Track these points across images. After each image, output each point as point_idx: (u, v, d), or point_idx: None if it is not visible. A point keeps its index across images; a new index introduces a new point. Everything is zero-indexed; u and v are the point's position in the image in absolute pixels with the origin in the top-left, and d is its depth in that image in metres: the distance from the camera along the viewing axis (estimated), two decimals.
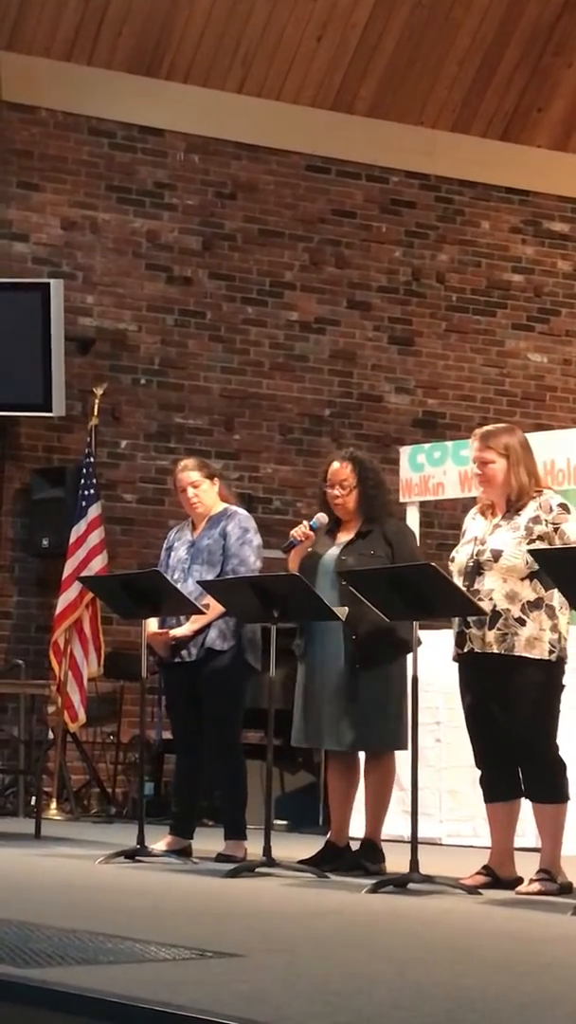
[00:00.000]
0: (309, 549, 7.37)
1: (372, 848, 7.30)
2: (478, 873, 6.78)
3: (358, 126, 12.50)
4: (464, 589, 6.63)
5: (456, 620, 6.77)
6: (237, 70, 12.08)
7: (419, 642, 6.86)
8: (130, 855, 7.51)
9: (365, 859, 7.23)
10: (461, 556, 6.78)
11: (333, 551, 7.33)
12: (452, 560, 6.83)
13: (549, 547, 6.52)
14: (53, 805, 10.60)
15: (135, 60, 11.83)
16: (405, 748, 7.37)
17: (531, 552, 6.40)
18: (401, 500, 10.14)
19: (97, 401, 11.24)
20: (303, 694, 7.35)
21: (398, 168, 12.71)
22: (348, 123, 12.47)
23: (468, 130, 12.82)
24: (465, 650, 6.73)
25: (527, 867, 6.73)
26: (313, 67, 12.24)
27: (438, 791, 9.11)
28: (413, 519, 10.11)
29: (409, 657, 7.23)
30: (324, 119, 12.40)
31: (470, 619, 6.65)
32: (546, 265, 13.19)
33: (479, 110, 12.80)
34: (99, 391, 11.27)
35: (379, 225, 12.67)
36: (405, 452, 10.47)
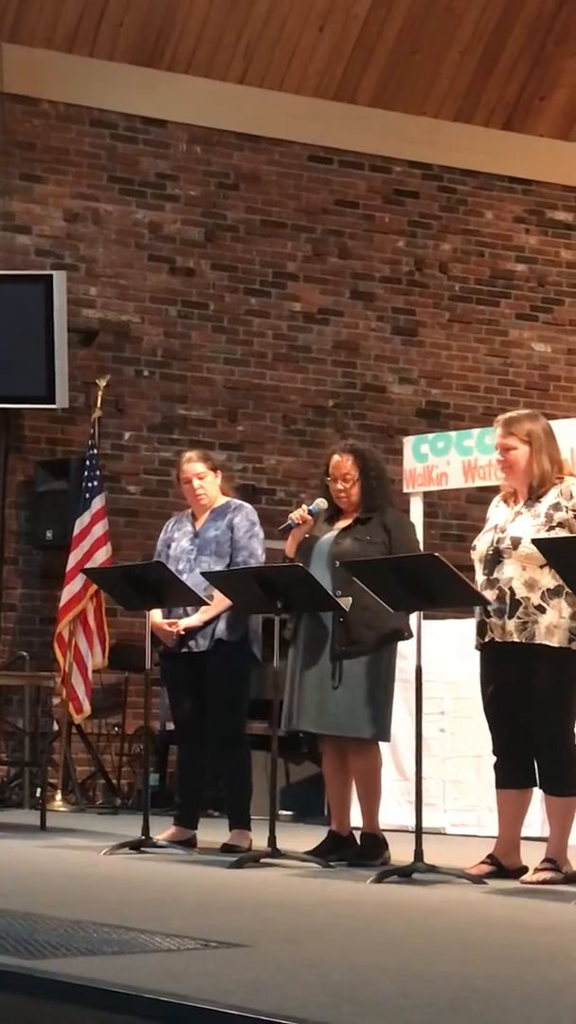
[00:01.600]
0: (307, 534, 7.37)
1: (373, 841, 7.29)
2: (483, 862, 6.77)
3: (360, 116, 12.48)
4: (478, 579, 6.62)
5: (477, 610, 6.74)
6: (239, 61, 12.07)
7: (410, 635, 6.84)
8: (135, 846, 7.51)
9: (366, 856, 7.19)
10: (482, 544, 6.75)
11: (330, 535, 7.32)
12: (474, 548, 6.80)
13: (554, 536, 6.49)
14: (58, 796, 10.61)
15: (137, 51, 11.82)
16: (385, 740, 7.35)
17: (534, 542, 6.35)
18: (404, 490, 10.14)
19: (100, 393, 11.24)
20: (291, 677, 7.33)
21: (401, 158, 12.70)
22: (350, 113, 12.45)
23: (471, 119, 12.81)
24: (486, 640, 6.70)
25: (532, 856, 6.73)
26: (315, 57, 12.23)
27: (442, 781, 9.11)
28: (416, 509, 10.11)
29: (400, 646, 7.26)
30: (326, 109, 12.38)
31: (490, 608, 6.62)
32: (549, 254, 13.18)
33: (481, 99, 12.78)
34: (102, 383, 11.27)
35: (382, 215, 12.65)
36: (408, 442, 10.46)
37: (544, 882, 6.49)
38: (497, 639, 6.64)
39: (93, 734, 11.15)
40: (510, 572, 6.61)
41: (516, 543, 6.60)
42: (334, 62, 12.29)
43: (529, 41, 12.65)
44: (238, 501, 7.97)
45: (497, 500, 6.92)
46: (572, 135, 13.13)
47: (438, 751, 9.00)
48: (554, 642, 6.54)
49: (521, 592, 6.58)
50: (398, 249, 12.70)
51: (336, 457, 7.38)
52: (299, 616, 7.31)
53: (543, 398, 12.91)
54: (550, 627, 6.55)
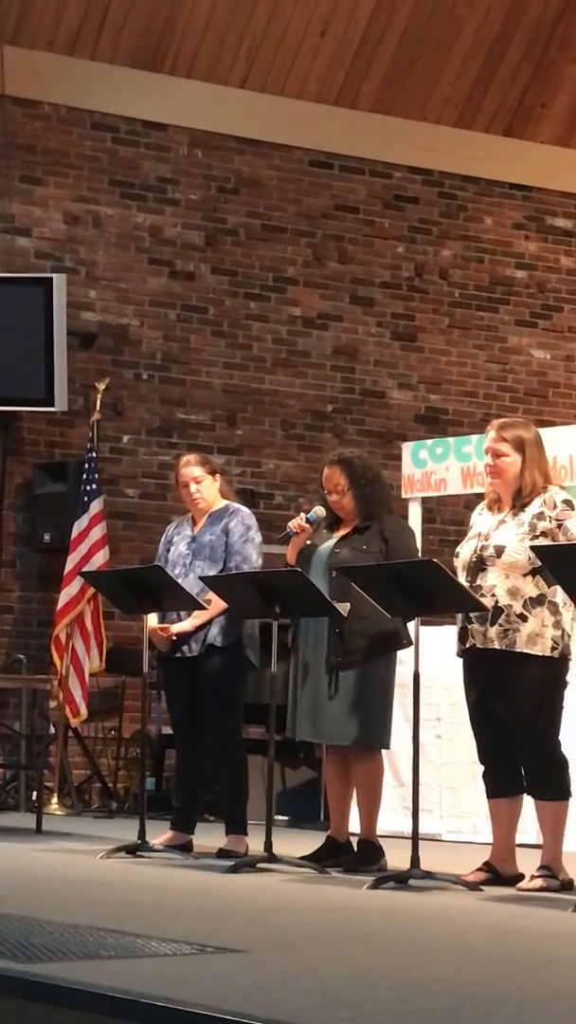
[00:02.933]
0: (308, 542, 7.37)
1: (370, 848, 7.28)
2: (479, 869, 6.77)
3: (361, 121, 12.49)
4: (466, 585, 6.63)
5: (459, 616, 6.76)
6: (240, 65, 12.07)
7: (409, 642, 6.84)
8: (131, 850, 7.50)
9: (363, 862, 7.18)
10: (465, 551, 6.77)
11: (328, 543, 7.33)
12: (457, 555, 6.82)
13: (551, 543, 6.51)
14: (54, 800, 10.60)
15: (138, 55, 11.83)
16: (386, 747, 7.35)
17: (533, 548, 6.38)
18: (403, 496, 10.13)
19: (99, 396, 11.23)
20: (292, 686, 7.34)
21: (401, 164, 12.71)
22: (351, 118, 12.46)
23: (471, 126, 12.81)
24: (467, 646, 6.72)
25: (528, 863, 6.72)
26: (316, 62, 12.24)
27: (438, 787, 9.11)
28: (415, 515, 10.10)
29: (398, 654, 7.26)
30: (327, 114, 12.39)
31: (472, 615, 6.64)
32: (549, 261, 13.19)
33: (482, 106, 12.79)
34: (101, 386, 11.27)
35: (382, 221, 12.66)
36: (407, 448, 10.46)
37: (540, 889, 6.50)
38: (478, 645, 6.66)
39: (90, 737, 11.14)
40: (493, 580, 6.62)
41: (499, 551, 6.62)
42: (335, 67, 12.30)
43: (530, 48, 12.66)
44: (236, 504, 7.97)
45: (481, 507, 6.94)
46: (573, 142, 13.14)
47: (435, 757, 8.99)
48: (535, 650, 6.57)
49: (504, 600, 6.60)
50: (398, 254, 12.70)
51: (327, 469, 7.41)
52: (297, 623, 7.32)
53: (542, 404, 12.93)
54: (531, 635, 6.57)
